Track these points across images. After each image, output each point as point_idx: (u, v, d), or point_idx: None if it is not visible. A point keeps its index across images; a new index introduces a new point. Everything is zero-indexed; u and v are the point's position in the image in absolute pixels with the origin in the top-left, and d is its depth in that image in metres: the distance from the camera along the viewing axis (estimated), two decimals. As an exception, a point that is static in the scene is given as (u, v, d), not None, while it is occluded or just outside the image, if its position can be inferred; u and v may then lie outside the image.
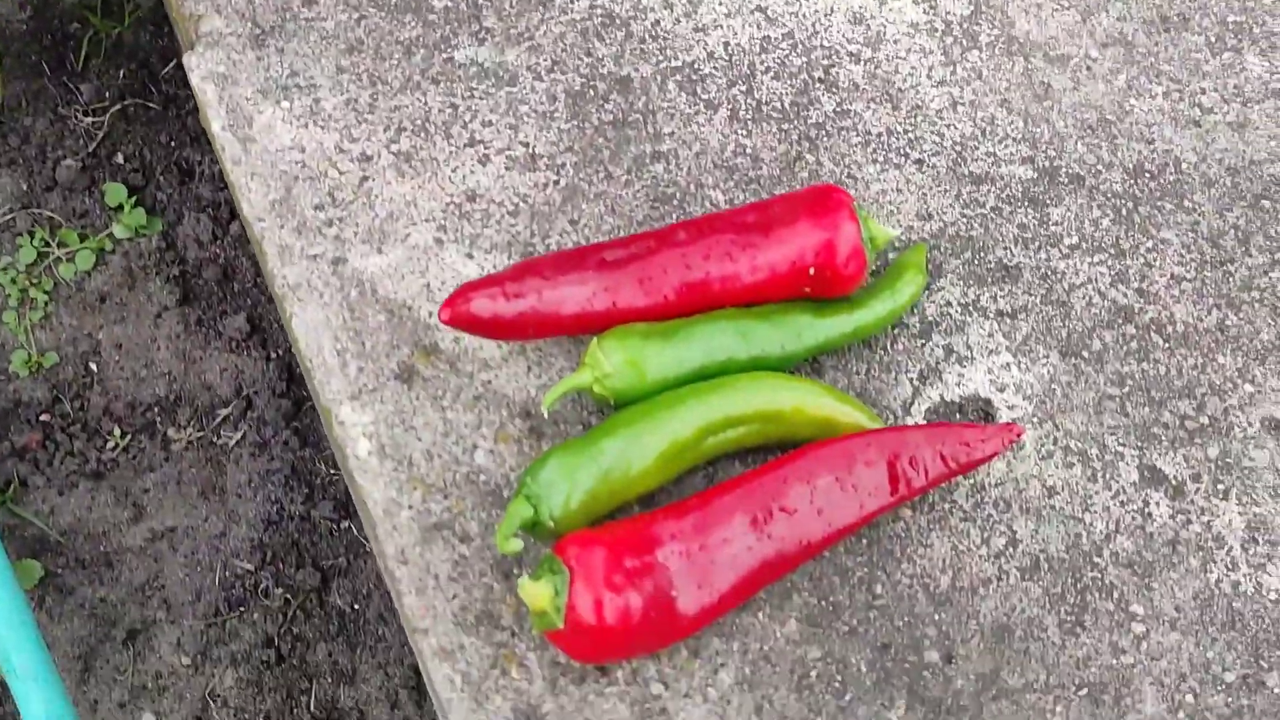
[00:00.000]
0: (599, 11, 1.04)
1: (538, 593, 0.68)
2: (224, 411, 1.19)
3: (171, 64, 1.40)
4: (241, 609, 1.07)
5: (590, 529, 0.72)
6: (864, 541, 0.80)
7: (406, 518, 0.79)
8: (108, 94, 1.40)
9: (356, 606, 1.06)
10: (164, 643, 1.05)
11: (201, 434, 1.18)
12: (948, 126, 0.98)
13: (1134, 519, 0.81)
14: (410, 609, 0.76)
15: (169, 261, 1.28)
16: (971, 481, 0.82)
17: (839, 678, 0.75)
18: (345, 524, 1.11)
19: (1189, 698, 0.75)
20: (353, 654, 1.04)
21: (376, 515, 0.79)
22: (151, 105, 1.41)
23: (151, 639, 1.06)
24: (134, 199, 1.32)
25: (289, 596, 1.07)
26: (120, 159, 1.36)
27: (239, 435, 1.17)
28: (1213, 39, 1.03)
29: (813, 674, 0.75)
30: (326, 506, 1.11)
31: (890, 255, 0.92)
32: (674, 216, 0.93)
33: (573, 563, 0.69)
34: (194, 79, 1.00)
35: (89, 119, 1.38)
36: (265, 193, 0.93)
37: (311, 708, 1.02)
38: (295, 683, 1.03)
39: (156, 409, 1.19)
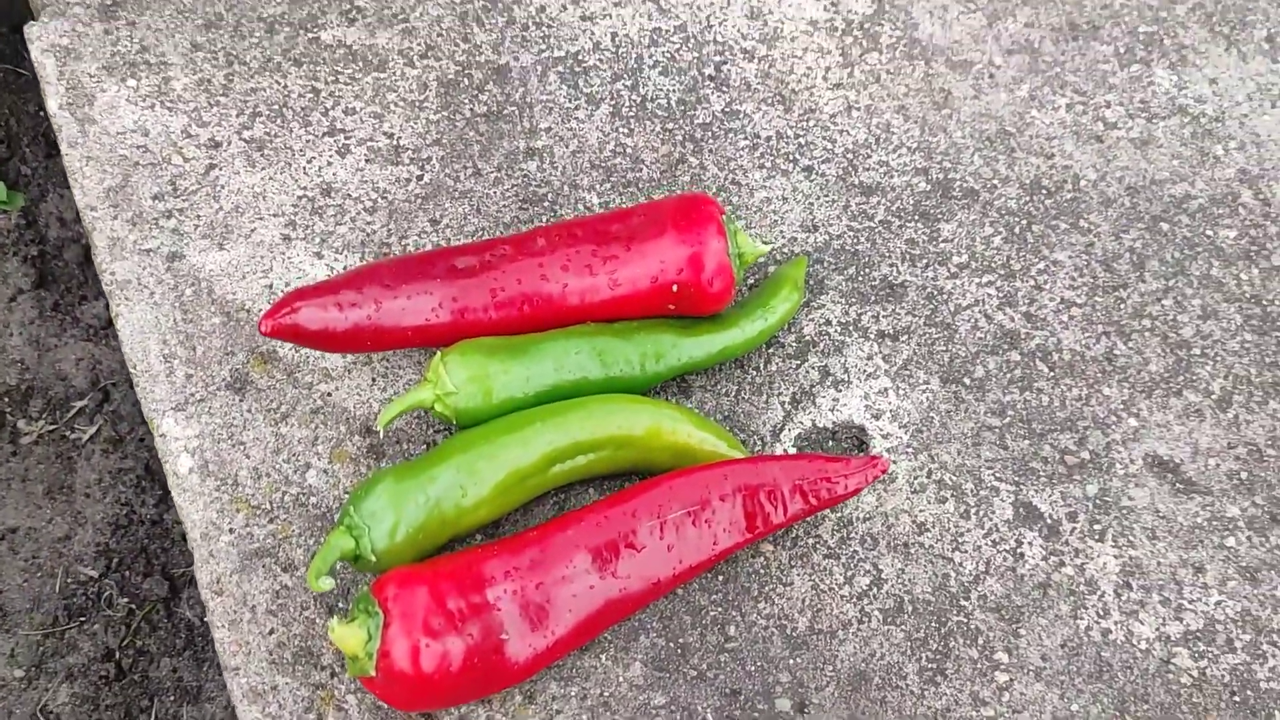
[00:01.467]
0: (480, -6, 0.97)
1: (349, 636, 0.63)
2: (78, 404, 1.12)
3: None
4: (82, 619, 1.00)
5: (413, 565, 0.66)
6: (720, 578, 0.75)
7: (226, 543, 0.73)
8: (-26, 57, 1.31)
9: (206, 620, 1.00)
10: (-4, 653, 0.99)
11: (53, 427, 1.11)
12: (841, 132, 0.93)
13: (1005, 560, 0.77)
14: (222, 644, 0.70)
15: (28, 240, 1.20)
16: (839, 515, 0.78)
17: (683, 726, 0.70)
18: (199, 530, 1.04)
19: (1049, 753, 0.71)
20: (199, 670, 0.98)
21: (194, 539, 0.73)
22: (21, 71, 1.32)
23: (-17, 648, 0.99)
24: (-5, 172, 1.24)
25: (134, 607, 1.00)
26: (-17, 128, 1.28)
27: (93, 430, 1.10)
28: (1122, 50, 0.99)
29: (655, 721, 0.70)
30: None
31: (770, 267, 0.87)
32: (544, 219, 0.88)
33: (390, 604, 0.64)
34: (34, 51, 0.92)
35: (-48, 83, 1.29)
36: (101, 179, 0.86)
37: (151, 727, 0.96)
38: (135, 700, 0.97)
39: (5, 400, 1.12)
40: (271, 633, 0.70)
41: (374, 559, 0.67)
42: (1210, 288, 0.87)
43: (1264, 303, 0.87)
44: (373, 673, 0.63)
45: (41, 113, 1.30)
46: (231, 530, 0.73)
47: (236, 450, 0.76)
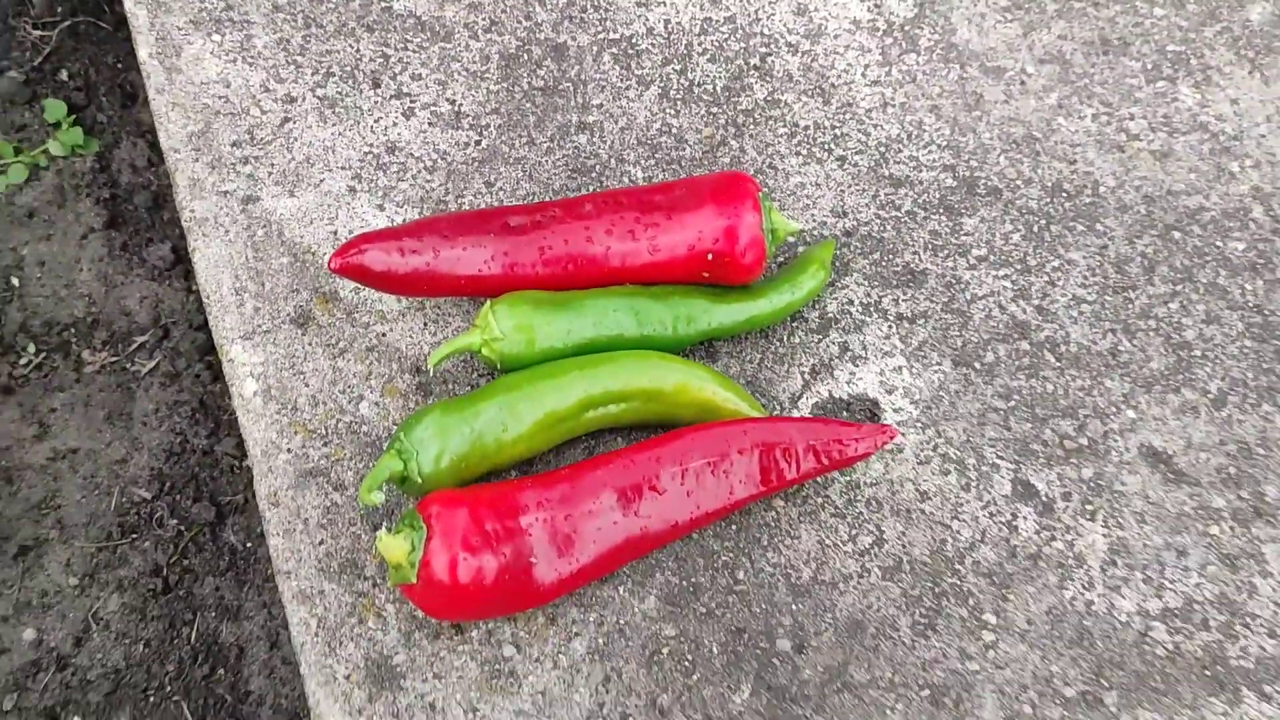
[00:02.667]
0: (545, -24, 1.04)
1: (394, 546, 0.69)
2: (140, 339, 1.19)
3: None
4: (134, 536, 1.07)
5: (455, 489, 0.72)
6: (733, 527, 0.81)
7: (284, 460, 0.79)
8: (60, 8, 1.38)
9: (249, 545, 1.07)
10: (53, 561, 1.06)
11: (115, 359, 1.18)
12: (875, 126, 0.99)
13: (1000, 531, 0.82)
14: (276, 550, 0.76)
15: (101, 184, 1.27)
16: (848, 479, 0.83)
17: (690, 657, 0.76)
18: (246, 462, 1.11)
19: (1027, 708, 0.77)
20: (239, 591, 1.05)
21: (255, 455, 0.80)
22: (103, 25, 1.39)
23: (41, 557, 1.06)
24: (74, 118, 1.31)
25: (182, 528, 1.07)
26: (65, 76, 1.35)
27: (152, 364, 1.17)
28: (1149, 66, 1.04)
29: (665, 651, 0.76)
30: (230, 443, 1.11)
31: (800, 248, 0.92)
32: (591, 189, 0.94)
33: (433, 520, 0.70)
34: (127, 2, 0.99)
35: (38, 32, 1.36)
36: (185, 124, 0.93)
37: (192, 640, 1.03)
38: (179, 614, 1.04)
39: (73, 330, 1.19)
40: (321, 544, 0.77)
41: (419, 481, 0.74)
42: (1215, 295, 0.92)
43: (1265, 312, 0.92)
44: (413, 580, 0.69)
45: (119, 64, 1.37)
46: (289, 450, 0.80)
47: (297, 379, 0.82)
